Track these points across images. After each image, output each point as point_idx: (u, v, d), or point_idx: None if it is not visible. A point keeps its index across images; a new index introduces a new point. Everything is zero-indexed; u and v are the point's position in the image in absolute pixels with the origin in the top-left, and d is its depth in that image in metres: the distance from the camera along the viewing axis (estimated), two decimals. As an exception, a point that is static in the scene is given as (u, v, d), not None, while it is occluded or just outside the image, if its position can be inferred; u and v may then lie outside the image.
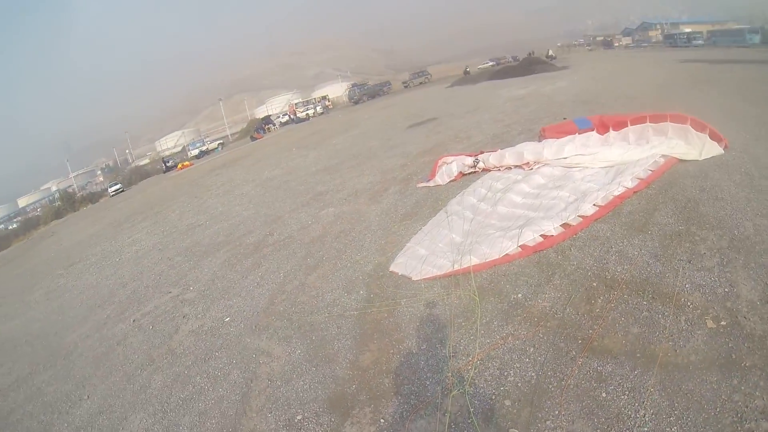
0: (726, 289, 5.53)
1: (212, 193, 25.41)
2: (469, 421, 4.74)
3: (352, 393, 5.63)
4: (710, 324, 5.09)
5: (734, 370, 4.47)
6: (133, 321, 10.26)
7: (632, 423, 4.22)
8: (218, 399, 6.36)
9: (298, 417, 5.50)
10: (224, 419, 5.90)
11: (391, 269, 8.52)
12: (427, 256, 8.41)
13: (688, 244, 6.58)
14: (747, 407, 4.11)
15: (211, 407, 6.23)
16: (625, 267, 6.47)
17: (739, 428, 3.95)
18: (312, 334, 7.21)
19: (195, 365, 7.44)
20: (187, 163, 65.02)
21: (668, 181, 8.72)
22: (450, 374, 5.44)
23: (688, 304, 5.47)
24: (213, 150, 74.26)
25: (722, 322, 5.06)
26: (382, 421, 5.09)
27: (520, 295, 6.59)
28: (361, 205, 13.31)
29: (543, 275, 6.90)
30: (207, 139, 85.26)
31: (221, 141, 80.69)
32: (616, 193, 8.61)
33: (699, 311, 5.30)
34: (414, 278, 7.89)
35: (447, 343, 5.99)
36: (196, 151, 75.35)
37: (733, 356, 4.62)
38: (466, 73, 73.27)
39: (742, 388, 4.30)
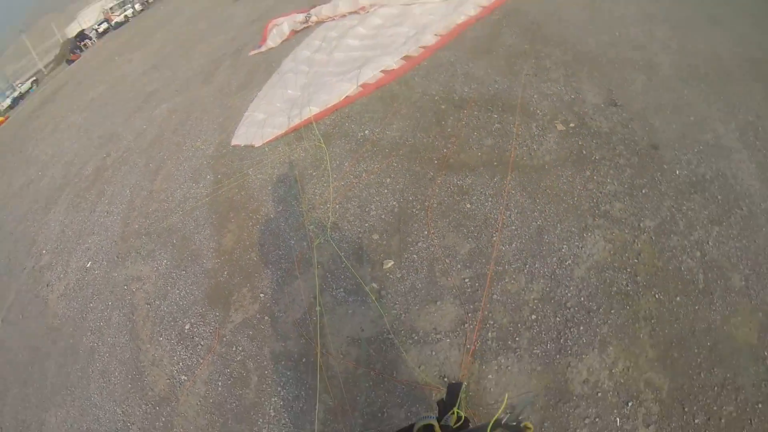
0: (572, 96, 5.77)
1: (37, 139, 21.74)
2: (343, 266, 4.65)
3: (226, 280, 5.45)
4: (560, 127, 5.32)
5: (586, 164, 4.79)
6: (2, 321, 8.86)
7: (500, 224, 4.38)
8: (111, 349, 5.72)
9: (187, 326, 5.28)
10: (124, 366, 5.40)
11: (232, 143, 7.93)
12: (266, 118, 7.84)
13: (533, 60, 6.62)
14: (601, 193, 4.46)
15: (108, 361, 5.62)
16: (473, 87, 6.36)
17: (597, 211, 4.31)
18: (172, 237, 6.66)
19: (77, 329, 6.43)
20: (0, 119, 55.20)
21: (512, 8, 8.50)
22: (312, 227, 5.30)
23: (538, 112, 5.61)
24: (27, 91, 63.42)
25: (571, 125, 5.31)
26: (261, 295, 5.01)
27: (367, 132, 6.37)
28: (193, 91, 12.13)
29: (388, 108, 6.65)
30: (17, 82, 72.09)
31: (34, 78, 68.71)
32: (459, 22, 8.22)
33: (548, 117, 5.50)
34: (257, 144, 7.38)
35: (302, 198, 5.79)
36: (8, 101, 63.89)
37: (584, 152, 4.94)
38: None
39: (595, 177, 4.62)
